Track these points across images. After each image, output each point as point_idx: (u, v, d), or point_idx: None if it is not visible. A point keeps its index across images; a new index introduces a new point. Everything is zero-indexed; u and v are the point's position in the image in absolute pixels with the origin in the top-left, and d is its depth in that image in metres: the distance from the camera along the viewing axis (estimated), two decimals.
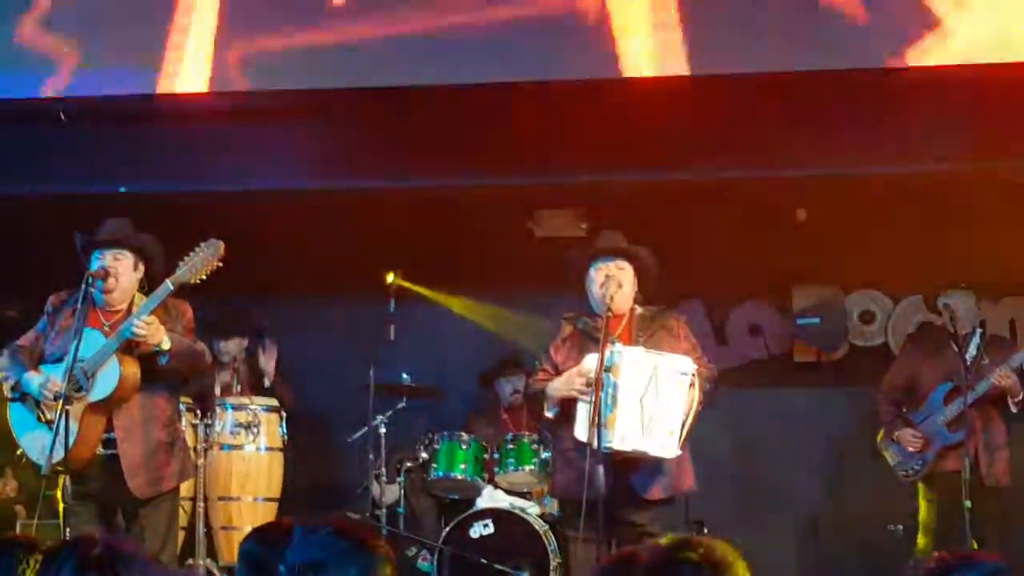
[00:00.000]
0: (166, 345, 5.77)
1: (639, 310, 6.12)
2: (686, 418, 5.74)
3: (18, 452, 6.07)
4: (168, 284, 5.79)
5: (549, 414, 6.03)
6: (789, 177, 7.82)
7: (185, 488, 7.01)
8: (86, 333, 5.73)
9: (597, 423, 5.57)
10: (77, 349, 5.66)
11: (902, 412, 7.39)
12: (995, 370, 6.95)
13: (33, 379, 5.87)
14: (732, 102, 7.31)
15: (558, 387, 5.94)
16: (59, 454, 5.63)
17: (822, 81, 7.19)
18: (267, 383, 8.28)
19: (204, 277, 5.82)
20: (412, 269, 8.51)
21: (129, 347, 5.82)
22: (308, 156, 7.89)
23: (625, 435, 5.63)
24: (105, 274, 5.89)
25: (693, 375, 5.75)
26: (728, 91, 7.29)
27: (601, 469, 5.59)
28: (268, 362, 8.34)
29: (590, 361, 5.73)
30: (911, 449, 7.23)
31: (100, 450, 5.86)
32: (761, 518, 8.44)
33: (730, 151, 7.53)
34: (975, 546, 6.58)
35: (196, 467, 7.28)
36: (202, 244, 5.83)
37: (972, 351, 7.07)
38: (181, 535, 7.32)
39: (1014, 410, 7.07)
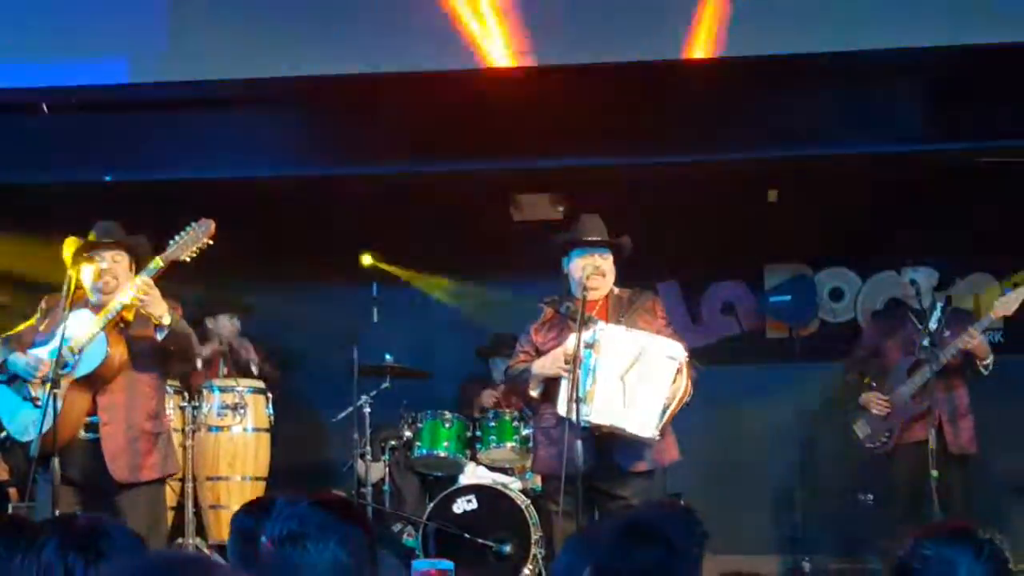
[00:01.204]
0: (167, 320, 5.79)
1: (616, 291, 6.22)
2: (669, 403, 5.81)
3: (2, 435, 6.06)
4: (158, 261, 5.82)
5: (534, 392, 6.14)
6: (759, 159, 7.99)
7: None
8: (75, 313, 5.75)
9: (576, 399, 5.67)
10: (64, 329, 5.67)
11: (866, 382, 7.48)
12: (960, 337, 7.00)
13: (19, 359, 5.90)
14: (695, 87, 7.42)
15: (544, 365, 6.04)
16: (33, 434, 5.64)
17: (781, 65, 7.29)
18: (255, 370, 8.42)
19: (194, 255, 5.85)
20: (393, 253, 8.65)
21: (118, 325, 5.87)
22: (289, 143, 8.00)
23: (603, 409, 5.73)
24: (91, 261, 5.90)
25: (682, 362, 5.82)
26: (696, 75, 7.39)
27: (580, 444, 5.67)
28: (248, 352, 8.49)
29: (574, 341, 5.81)
30: (875, 411, 7.31)
31: (83, 434, 5.88)
32: (736, 491, 8.62)
33: (699, 135, 7.68)
34: (942, 514, 6.70)
35: (185, 455, 7.36)
36: (193, 223, 5.87)
37: (934, 324, 7.14)
38: (170, 515, 7.44)
39: (984, 372, 7.13)
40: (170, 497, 7.19)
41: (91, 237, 6.05)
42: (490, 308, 8.88)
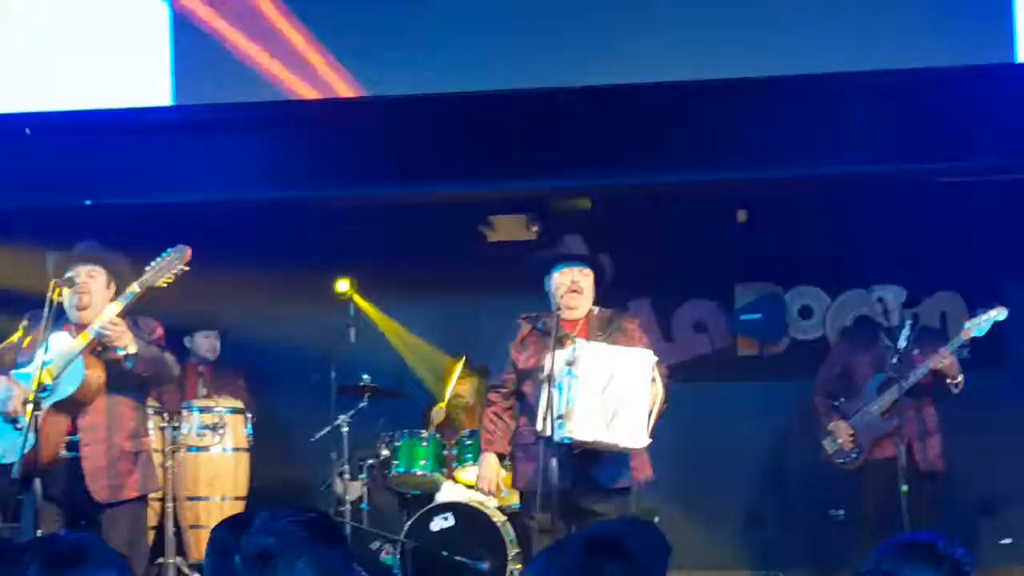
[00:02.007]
0: (132, 349, 5.82)
1: (595, 311, 6.28)
2: (651, 408, 5.88)
3: None
4: (134, 287, 5.86)
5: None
6: (729, 180, 8.11)
7: None
8: (54, 336, 5.80)
9: (550, 416, 5.74)
10: (45, 353, 5.71)
11: (836, 404, 7.56)
12: (931, 357, 7.11)
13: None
14: (664, 109, 7.55)
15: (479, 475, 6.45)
16: (15, 456, 5.65)
17: (750, 86, 7.41)
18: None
19: (170, 281, 5.91)
20: (369, 274, 8.72)
21: (95, 350, 5.90)
22: (265, 167, 8.07)
23: (586, 426, 5.77)
24: (71, 283, 5.95)
25: (653, 368, 5.89)
26: (665, 97, 7.50)
27: (555, 461, 5.75)
28: (233, 386, 8.57)
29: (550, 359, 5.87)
30: (841, 441, 7.39)
31: (64, 452, 5.90)
32: (707, 507, 8.69)
33: (669, 156, 7.79)
34: (911, 530, 6.80)
35: (162, 478, 7.32)
36: (169, 249, 5.93)
37: (903, 342, 7.22)
38: (151, 535, 7.50)
39: (955, 391, 7.20)
40: (151, 517, 7.22)
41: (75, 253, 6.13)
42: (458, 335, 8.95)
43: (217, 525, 3.27)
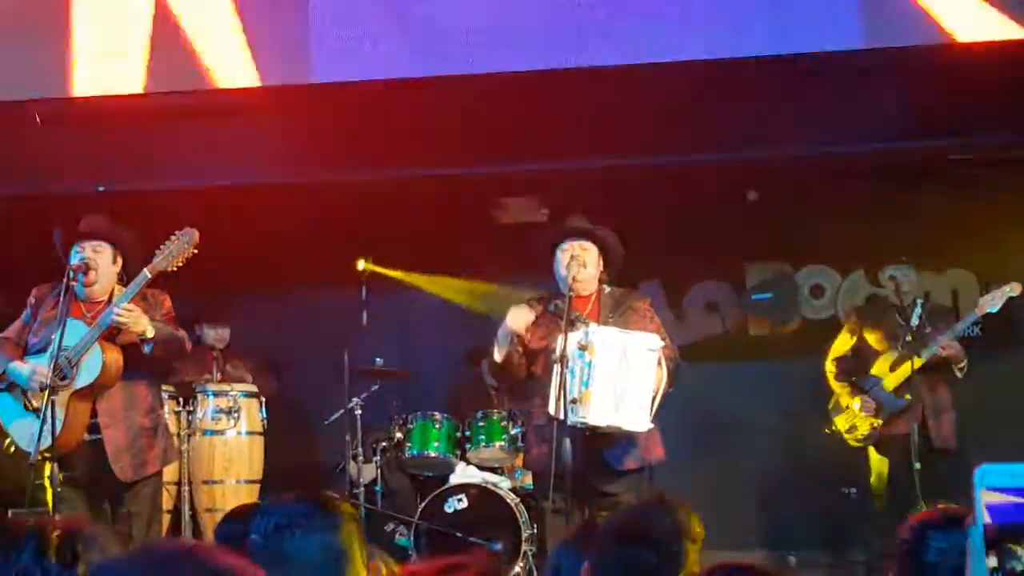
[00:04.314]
0: (150, 333, 5.88)
1: (606, 290, 6.30)
2: (655, 393, 5.91)
3: (6, 442, 6.14)
4: (145, 272, 5.90)
5: (498, 358, 6.23)
6: (740, 160, 8.11)
7: (170, 472, 7.21)
8: (68, 323, 5.82)
9: (564, 398, 5.75)
10: (61, 339, 5.75)
11: (852, 380, 7.62)
12: (938, 338, 7.19)
13: (22, 369, 5.97)
14: (675, 89, 7.49)
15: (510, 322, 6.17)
16: (47, 441, 5.72)
17: (770, 65, 7.40)
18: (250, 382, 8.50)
19: (180, 264, 5.95)
20: (381, 257, 8.74)
21: (111, 335, 5.94)
22: (278, 151, 8.07)
23: (599, 411, 5.80)
24: (86, 267, 6.00)
25: (660, 352, 5.92)
26: (677, 77, 7.46)
27: (568, 443, 5.76)
28: (239, 370, 8.60)
29: (562, 341, 5.85)
30: (864, 413, 7.44)
31: (85, 435, 5.96)
32: (720, 486, 8.66)
33: (679, 136, 7.77)
34: (925, 507, 6.85)
35: (179, 452, 7.45)
36: (177, 233, 5.97)
37: (915, 320, 7.30)
38: (167, 518, 7.55)
39: (959, 376, 7.30)
40: (166, 501, 7.28)
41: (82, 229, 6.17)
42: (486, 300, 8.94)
43: (221, 519, 3.30)
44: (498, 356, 6.24)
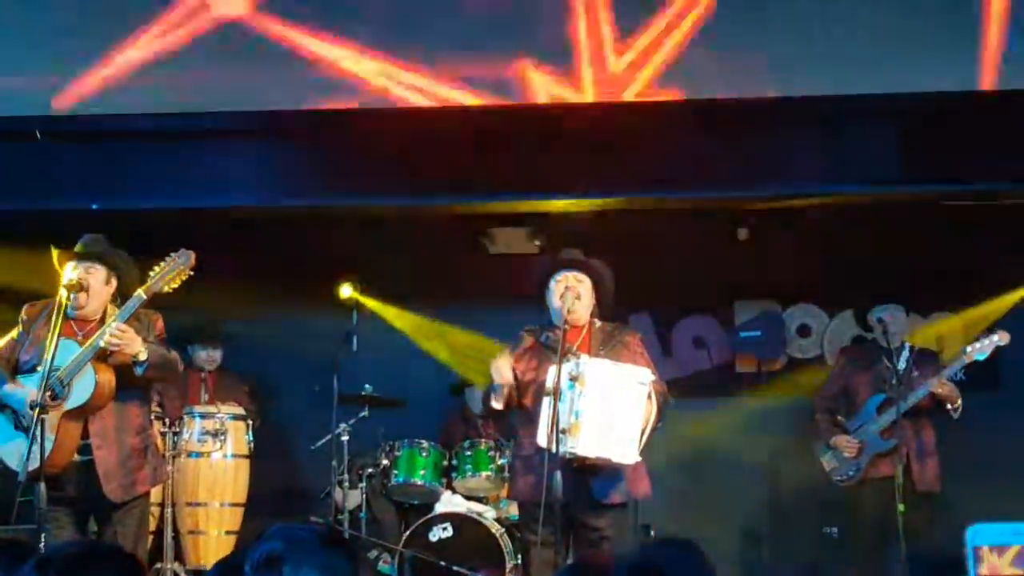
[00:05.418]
0: (143, 356, 5.85)
1: (598, 324, 6.31)
2: (645, 426, 5.93)
3: None
4: (140, 294, 5.86)
5: (496, 405, 6.23)
6: (731, 199, 8.16)
7: (154, 494, 7.16)
8: (60, 343, 5.77)
9: (555, 430, 5.75)
10: (52, 359, 5.72)
11: (838, 420, 7.65)
12: (931, 380, 7.18)
13: (14, 392, 5.95)
14: (668, 127, 7.62)
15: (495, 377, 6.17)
16: (36, 462, 5.64)
17: (752, 106, 7.48)
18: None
19: (175, 286, 5.91)
20: (370, 285, 8.76)
21: (103, 356, 5.89)
22: (270, 176, 8.09)
23: (588, 442, 5.81)
24: (79, 287, 5.96)
25: (650, 386, 5.95)
26: (669, 115, 7.58)
27: (559, 475, 5.73)
28: (234, 398, 8.59)
29: (554, 372, 5.88)
30: (847, 455, 7.46)
31: (76, 456, 5.92)
32: (703, 522, 8.59)
33: (672, 174, 7.82)
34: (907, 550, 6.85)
35: (167, 472, 7.44)
36: (173, 254, 5.92)
37: (902, 364, 7.35)
38: (150, 539, 7.51)
39: (955, 416, 7.30)
40: (150, 523, 7.23)
41: (78, 249, 6.16)
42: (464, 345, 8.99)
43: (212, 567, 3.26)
44: (498, 404, 6.25)
